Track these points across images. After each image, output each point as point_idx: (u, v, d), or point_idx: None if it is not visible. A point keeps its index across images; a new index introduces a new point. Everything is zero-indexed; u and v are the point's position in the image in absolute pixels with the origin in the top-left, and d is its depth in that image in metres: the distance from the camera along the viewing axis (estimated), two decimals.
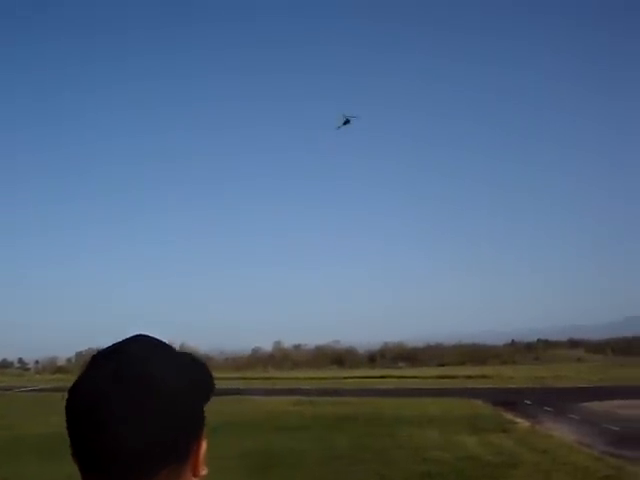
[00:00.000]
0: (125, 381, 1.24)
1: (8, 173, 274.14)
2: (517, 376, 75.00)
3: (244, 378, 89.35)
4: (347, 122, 74.58)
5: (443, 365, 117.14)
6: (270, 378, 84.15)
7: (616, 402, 38.54)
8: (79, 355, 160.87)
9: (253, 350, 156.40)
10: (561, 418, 32.07)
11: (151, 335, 1.38)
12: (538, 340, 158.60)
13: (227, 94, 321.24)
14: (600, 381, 61.65)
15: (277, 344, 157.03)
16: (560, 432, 26.34)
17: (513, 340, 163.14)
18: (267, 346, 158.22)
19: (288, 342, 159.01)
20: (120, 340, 1.35)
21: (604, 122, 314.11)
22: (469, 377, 75.56)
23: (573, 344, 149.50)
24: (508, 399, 43.21)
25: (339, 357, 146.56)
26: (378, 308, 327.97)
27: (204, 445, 1.34)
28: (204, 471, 1.34)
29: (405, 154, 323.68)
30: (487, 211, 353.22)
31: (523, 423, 29.76)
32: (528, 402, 41.77)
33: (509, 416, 32.67)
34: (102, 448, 1.22)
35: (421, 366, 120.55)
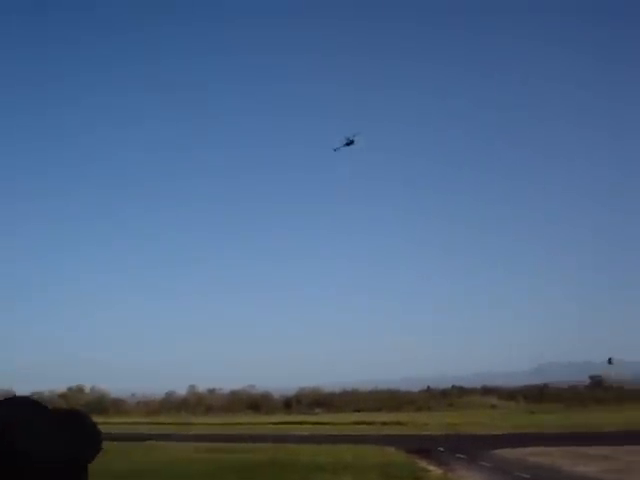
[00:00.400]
0: None
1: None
2: (431, 423, 75.31)
3: (156, 423, 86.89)
4: (351, 142, 73.99)
5: (359, 411, 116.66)
6: (183, 423, 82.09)
7: (527, 449, 38.93)
8: None
9: (166, 394, 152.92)
10: (473, 465, 32.16)
11: (26, 396, 1.28)
12: (453, 386, 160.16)
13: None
14: (512, 428, 62.40)
15: (191, 388, 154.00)
16: (472, 479, 26.34)
17: (428, 386, 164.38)
18: (181, 390, 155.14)
19: (203, 386, 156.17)
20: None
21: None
22: (384, 423, 75.50)
23: (487, 391, 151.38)
24: (422, 446, 43.19)
25: (254, 402, 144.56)
26: (295, 353, 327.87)
27: None
28: None
29: None
30: (403, 264, 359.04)
31: (436, 470, 29.69)
32: (441, 449, 41.83)
33: (422, 463, 32.58)
34: None
35: (337, 412, 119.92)
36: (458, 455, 37.50)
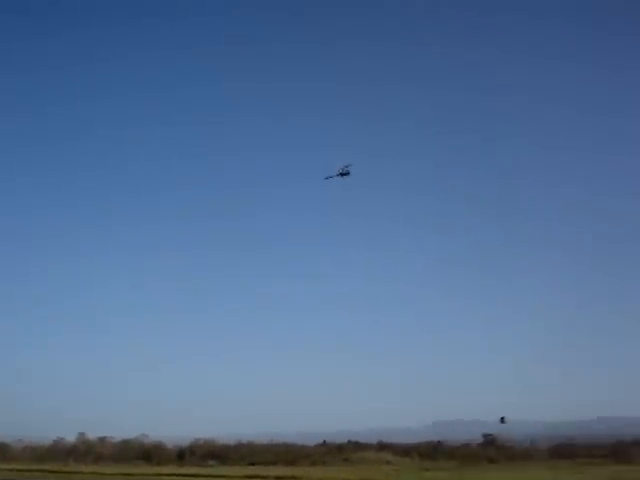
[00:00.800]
0: None
1: None
2: (325, 477, 74.98)
3: (42, 470, 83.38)
4: (346, 174, 74.66)
5: (254, 464, 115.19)
6: (71, 472, 79.13)
7: None
8: None
9: (55, 440, 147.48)
10: None
11: None
12: (349, 441, 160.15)
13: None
14: None
15: (81, 435, 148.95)
16: None
17: (324, 441, 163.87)
18: (70, 437, 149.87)
19: (93, 433, 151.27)
20: None
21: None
22: (278, 477, 74.73)
23: (382, 447, 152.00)
24: None
25: (146, 452, 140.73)
26: (189, 402, 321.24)
27: None
28: None
29: None
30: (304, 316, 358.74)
31: None
32: None
33: None
34: None
35: (232, 464, 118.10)
36: None
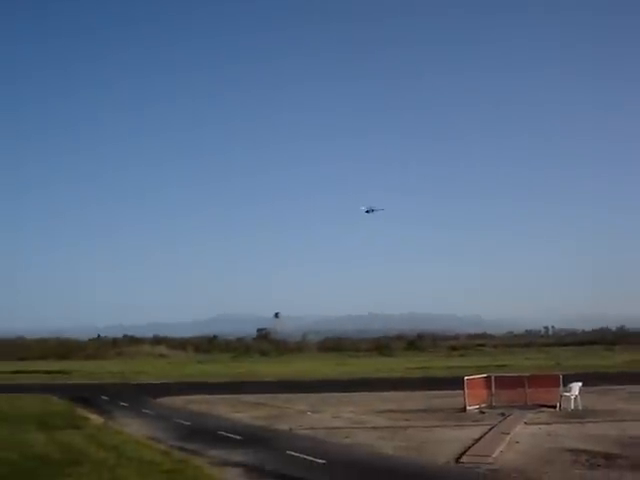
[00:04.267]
0: None
1: None
2: (98, 371, 74.67)
3: None
4: (371, 211, 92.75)
5: (23, 359, 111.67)
6: None
7: (191, 397, 40.27)
8: None
9: None
10: (136, 413, 32.57)
11: None
12: (124, 335, 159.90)
13: None
14: (179, 377, 64.09)
15: None
16: (132, 427, 26.68)
17: (99, 335, 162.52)
18: None
19: None
20: None
21: None
22: (48, 372, 73.33)
23: (157, 341, 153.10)
24: (85, 395, 42.75)
25: None
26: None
27: None
28: None
29: None
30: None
31: (97, 419, 29.63)
32: (105, 397, 41.73)
33: (83, 412, 32.28)
34: None
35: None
36: (122, 403, 37.71)
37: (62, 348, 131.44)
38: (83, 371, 76.10)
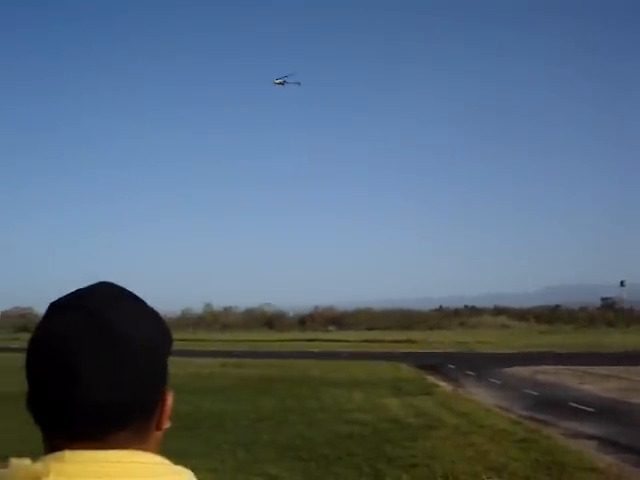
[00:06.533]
0: (94, 328, 1.12)
1: None
2: (442, 341, 76.32)
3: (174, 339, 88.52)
4: (283, 83, 74.87)
5: (372, 329, 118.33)
6: (198, 340, 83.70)
7: (536, 368, 39.59)
8: (4, 314, 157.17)
9: (183, 311, 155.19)
10: (482, 382, 32.82)
11: (114, 283, 1.25)
12: (465, 306, 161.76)
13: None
14: (522, 347, 63.22)
15: (207, 306, 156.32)
16: (481, 396, 26.94)
17: (441, 306, 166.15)
18: (197, 308, 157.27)
19: (218, 304, 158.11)
20: (81, 287, 1.21)
21: None
22: (395, 341, 76.53)
23: (498, 311, 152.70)
24: (432, 363, 43.98)
25: (269, 320, 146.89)
26: (310, 271, 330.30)
27: (170, 399, 1.23)
28: (167, 424, 1.23)
29: None
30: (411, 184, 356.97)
31: (445, 387, 30.33)
32: (452, 366, 42.62)
33: (432, 380, 33.26)
34: (70, 399, 1.09)
35: (350, 330, 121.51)
36: (468, 372, 38.17)
37: (405, 319, 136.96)
38: (427, 341, 78.36)
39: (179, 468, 1.16)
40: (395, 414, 20.60)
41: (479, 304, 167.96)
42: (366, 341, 79.02)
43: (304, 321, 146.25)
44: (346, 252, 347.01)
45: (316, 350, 62.92)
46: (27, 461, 1.07)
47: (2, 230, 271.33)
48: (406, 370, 39.42)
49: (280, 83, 75.01)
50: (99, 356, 1.11)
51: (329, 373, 36.10)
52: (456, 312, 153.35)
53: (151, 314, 1.25)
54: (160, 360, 1.21)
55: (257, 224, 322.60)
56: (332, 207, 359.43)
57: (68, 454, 1.09)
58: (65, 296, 1.20)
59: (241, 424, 18.67)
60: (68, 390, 1.10)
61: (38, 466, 1.06)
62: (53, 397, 1.11)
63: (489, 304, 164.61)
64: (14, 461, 1.07)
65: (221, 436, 16.63)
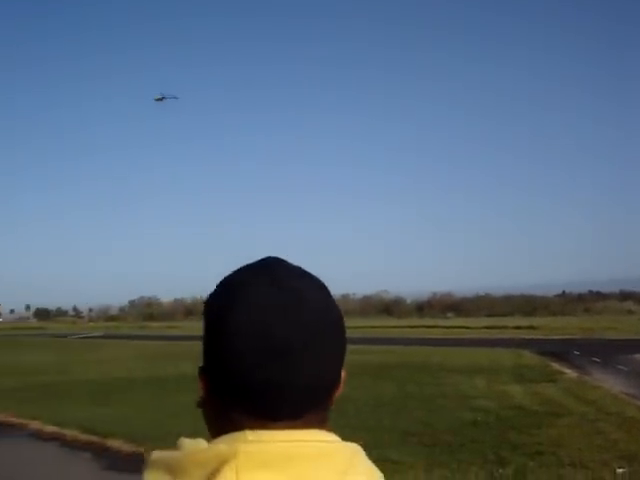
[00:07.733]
0: (299, 305, 1.04)
1: None
2: (566, 327, 74.40)
3: None
4: (162, 99, 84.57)
5: (491, 316, 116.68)
6: None
7: None
8: (132, 303, 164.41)
9: None
10: (609, 369, 31.80)
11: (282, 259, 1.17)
12: (589, 291, 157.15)
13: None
14: None
15: None
16: (608, 383, 26.14)
17: (564, 291, 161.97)
18: None
19: (336, 291, 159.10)
20: (249, 263, 1.11)
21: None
22: (517, 328, 75.21)
23: (625, 296, 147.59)
24: (556, 350, 42.96)
25: (387, 306, 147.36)
26: (427, 258, 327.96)
27: (344, 375, 1.14)
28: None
29: None
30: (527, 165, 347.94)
31: (570, 374, 29.58)
32: (576, 353, 41.48)
33: (556, 366, 32.48)
34: (282, 380, 0.99)
35: (469, 316, 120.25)
36: (593, 359, 37.07)
37: (527, 305, 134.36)
38: (551, 327, 76.55)
39: (353, 445, 1.13)
40: (519, 401, 20.30)
41: (603, 289, 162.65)
42: (486, 327, 77.94)
43: (422, 308, 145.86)
44: (463, 237, 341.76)
45: (435, 336, 62.61)
46: (202, 442, 0.98)
47: (128, 222, 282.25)
48: (528, 357, 38.65)
49: (159, 99, 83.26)
50: (310, 335, 1.02)
51: (449, 360, 35.86)
52: (580, 297, 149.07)
53: (327, 289, 1.19)
54: (345, 335, 1.13)
55: (374, 212, 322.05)
56: (450, 194, 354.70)
57: (254, 434, 0.99)
58: (241, 270, 1.10)
59: (362, 409, 18.83)
60: (280, 369, 0.99)
61: (222, 447, 0.95)
62: (260, 376, 0.99)
63: (615, 289, 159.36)
64: (187, 441, 0.98)
65: (343, 420, 16.82)
